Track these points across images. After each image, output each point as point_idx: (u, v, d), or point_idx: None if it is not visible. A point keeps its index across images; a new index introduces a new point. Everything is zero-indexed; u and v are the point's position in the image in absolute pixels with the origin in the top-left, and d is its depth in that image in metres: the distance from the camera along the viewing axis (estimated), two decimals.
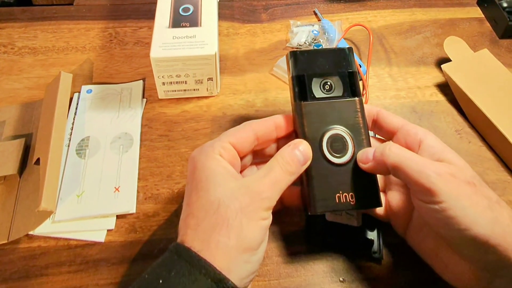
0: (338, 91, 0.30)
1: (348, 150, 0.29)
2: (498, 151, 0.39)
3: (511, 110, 0.39)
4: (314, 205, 0.28)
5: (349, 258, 0.32)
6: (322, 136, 0.29)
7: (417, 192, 0.26)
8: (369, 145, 0.29)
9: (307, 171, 0.28)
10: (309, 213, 0.28)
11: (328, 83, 0.30)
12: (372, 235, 0.32)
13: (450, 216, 0.24)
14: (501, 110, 0.39)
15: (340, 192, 0.28)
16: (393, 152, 0.26)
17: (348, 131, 0.29)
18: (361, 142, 0.29)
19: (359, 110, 0.30)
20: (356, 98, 0.30)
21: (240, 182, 0.25)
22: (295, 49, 0.31)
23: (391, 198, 0.31)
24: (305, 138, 0.29)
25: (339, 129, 0.29)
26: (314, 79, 0.30)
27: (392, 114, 0.30)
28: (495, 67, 0.43)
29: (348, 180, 0.28)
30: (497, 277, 0.25)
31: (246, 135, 0.28)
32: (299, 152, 0.27)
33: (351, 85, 0.30)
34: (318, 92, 0.30)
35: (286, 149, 0.27)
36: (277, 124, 0.29)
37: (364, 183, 0.28)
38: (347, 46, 0.32)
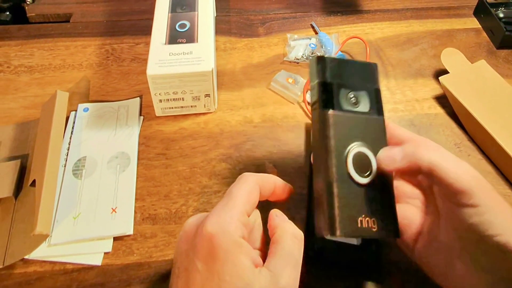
0: (364, 107, 0.28)
1: (372, 170, 0.27)
2: (498, 164, 0.39)
3: (510, 122, 0.39)
4: (334, 227, 0.24)
5: (349, 277, 0.31)
6: (348, 152, 0.27)
7: (452, 194, 0.25)
8: None
9: (328, 187, 0.25)
10: (326, 237, 0.25)
11: (355, 96, 0.28)
12: (373, 254, 0.32)
13: (485, 221, 0.23)
14: (500, 122, 0.39)
15: (363, 216, 0.25)
16: (429, 151, 0.25)
17: (372, 150, 0.27)
18: None
19: (383, 129, 0.28)
20: (382, 117, 0.29)
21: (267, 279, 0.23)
22: (322, 55, 0.30)
23: (400, 212, 0.29)
24: (328, 151, 0.26)
25: (364, 146, 0.27)
26: (342, 91, 0.28)
27: (399, 127, 0.30)
28: (492, 78, 0.43)
29: (371, 203, 0.26)
30: None
31: (255, 198, 0.26)
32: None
33: (378, 103, 0.29)
34: (344, 104, 0.28)
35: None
36: (276, 186, 0.28)
37: (385, 209, 0.27)
38: (374, 63, 0.31)
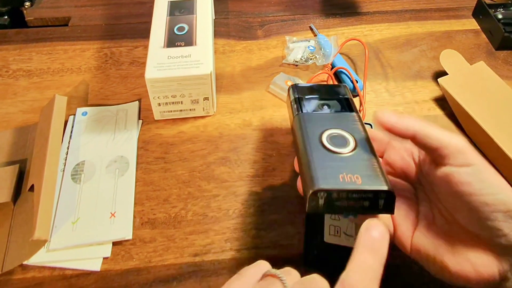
0: (335, 108, 0.32)
1: (349, 143, 0.29)
2: (497, 165, 0.39)
3: (509, 123, 0.39)
4: (317, 182, 0.25)
5: None
6: (323, 133, 0.29)
7: (446, 156, 0.25)
8: (371, 142, 0.29)
9: (306, 157, 0.27)
10: (311, 191, 0.25)
11: (326, 104, 0.32)
12: None
13: (482, 179, 0.24)
14: (499, 124, 0.39)
15: (344, 173, 0.26)
16: (414, 120, 0.27)
17: (349, 131, 0.30)
18: (363, 139, 0.29)
19: (357, 120, 0.31)
20: (354, 113, 0.32)
21: None
22: (294, 84, 0.35)
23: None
24: (305, 138, 0.29)
25: (339, 129, 0.30)
26: (313, 101, 0.33)
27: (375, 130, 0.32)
28: (491, 80, 0.43)
29: (352, 164, 0.27)
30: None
31: None
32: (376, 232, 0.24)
33: (348, 105, 0.32)
34: (316, 108, 0.32)
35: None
36: None
37: (370, 168, 0.27)
38: (343, 84, 0.36)
